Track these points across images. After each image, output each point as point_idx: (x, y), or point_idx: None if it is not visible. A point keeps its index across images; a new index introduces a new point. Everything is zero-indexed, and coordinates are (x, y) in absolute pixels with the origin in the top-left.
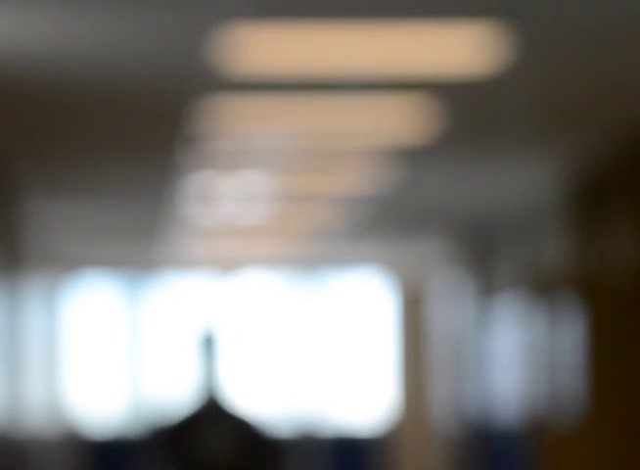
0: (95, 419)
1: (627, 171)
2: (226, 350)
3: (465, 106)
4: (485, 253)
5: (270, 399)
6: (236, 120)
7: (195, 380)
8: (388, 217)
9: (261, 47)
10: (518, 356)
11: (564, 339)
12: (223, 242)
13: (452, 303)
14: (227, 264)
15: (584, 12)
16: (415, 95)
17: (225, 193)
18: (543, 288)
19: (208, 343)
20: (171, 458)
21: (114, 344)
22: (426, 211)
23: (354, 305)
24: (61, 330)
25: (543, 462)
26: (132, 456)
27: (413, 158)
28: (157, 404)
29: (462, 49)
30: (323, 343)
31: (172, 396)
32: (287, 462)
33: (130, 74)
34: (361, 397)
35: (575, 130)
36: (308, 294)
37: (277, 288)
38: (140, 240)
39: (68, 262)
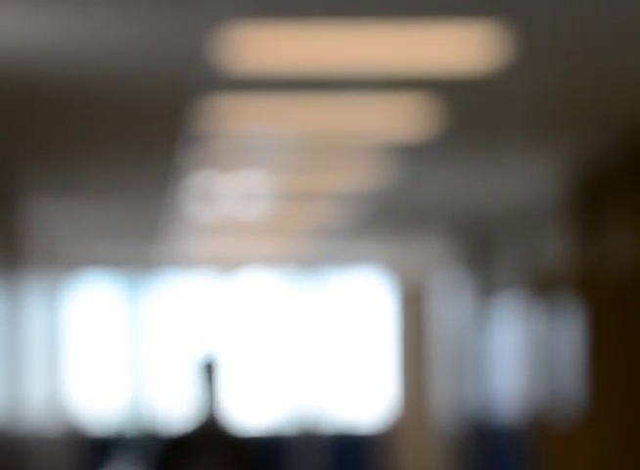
0: (95, 417)
1: (627, 171)
2: (226, 364)
3: (465, 105)
4: (485, 251)
5: (271, 397)
6: (236, 119)
7: (193, 402)
8: (388, 216)
9: (261, 46)
10: (517, 355)
11: (563, 337)
12: (224, 240)
13: (452, 301)
14: (228, 263)
15: (584, 12)
16: (415, 93)
17: (226, 191)
18: (543, 287)
19: (209, 369)
20: None
21: (114, 342)
22: (426, 209)
23: (354, 303)
24: (61, 329)
25: (543, 460)
26: (132, 454)
27: (413, 156)
28: (156, 404)
29: (463, 48)
30: (323, 341)
31: (171, 398)
32: (287, 459)
33: (131, 74)
34: (361, 394)
35: (575, 130)
36: (308, 292)
37: (277, 286)
38: (141, 239)
39: (68, 261)
